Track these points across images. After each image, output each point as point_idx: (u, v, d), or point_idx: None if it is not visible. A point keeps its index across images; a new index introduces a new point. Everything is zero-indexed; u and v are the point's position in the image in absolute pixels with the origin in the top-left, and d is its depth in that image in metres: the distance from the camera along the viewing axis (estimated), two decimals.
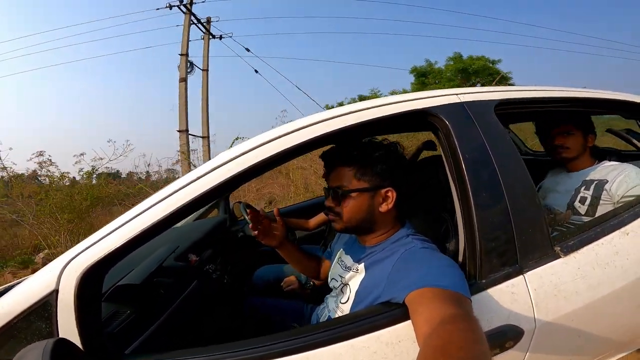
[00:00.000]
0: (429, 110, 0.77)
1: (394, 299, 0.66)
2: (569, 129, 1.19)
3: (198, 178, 0.70)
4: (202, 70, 8.52)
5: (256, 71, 8.80)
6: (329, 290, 0.95)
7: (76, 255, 0.68)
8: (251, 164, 0.70)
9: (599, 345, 0.83)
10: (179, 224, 1.61)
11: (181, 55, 7.87)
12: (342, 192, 0.79)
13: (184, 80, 7.78)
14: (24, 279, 0.90)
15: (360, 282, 0.78)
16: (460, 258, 0.74)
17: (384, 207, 0.78)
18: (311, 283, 1.30)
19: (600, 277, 0.73)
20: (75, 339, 0.64)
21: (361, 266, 0.80)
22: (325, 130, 0.73)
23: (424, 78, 14.00)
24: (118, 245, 0.67)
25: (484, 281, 0.69)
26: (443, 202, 1.04)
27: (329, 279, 0.94)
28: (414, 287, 0.61)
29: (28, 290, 0.68)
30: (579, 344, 0.76)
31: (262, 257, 1.75)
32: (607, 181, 1.10)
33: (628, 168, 1.10)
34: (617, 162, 1.18)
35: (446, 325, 0.50)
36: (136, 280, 0.95)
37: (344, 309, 0.80)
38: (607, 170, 1.14)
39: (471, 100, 0.80)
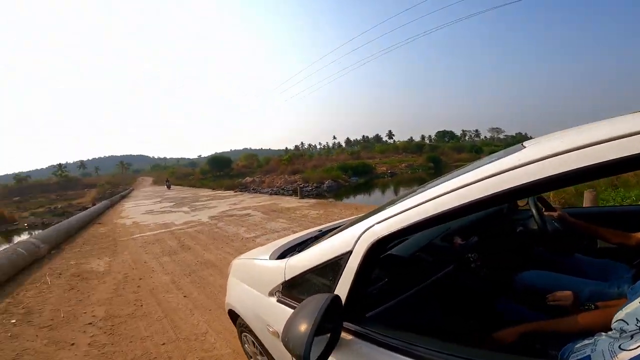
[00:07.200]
0: None
1: None
2: None
3: (529, 163, 0.54)
4: None
5: None
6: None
7: (373, 225, 0.74)
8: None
9: None
10: None
11: None
12: None
13: None
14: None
15: None
16: None
17: None
18: (593, 306, 0.96)
19: None
20: (343, 296, 0.72)
21: None
22: None
23: None
24: (412, 222, 0.67)
25: None
26: None
27: (615, 319, 0.73)
28: None
29: (330, 248, 0.79)
30: None
31: (534, 259, 1.48)
32: None
33: None
34: None
35: None
36: (405, 252, 1.08)
37: (624, 356, 0.63)
38: None
39: None
